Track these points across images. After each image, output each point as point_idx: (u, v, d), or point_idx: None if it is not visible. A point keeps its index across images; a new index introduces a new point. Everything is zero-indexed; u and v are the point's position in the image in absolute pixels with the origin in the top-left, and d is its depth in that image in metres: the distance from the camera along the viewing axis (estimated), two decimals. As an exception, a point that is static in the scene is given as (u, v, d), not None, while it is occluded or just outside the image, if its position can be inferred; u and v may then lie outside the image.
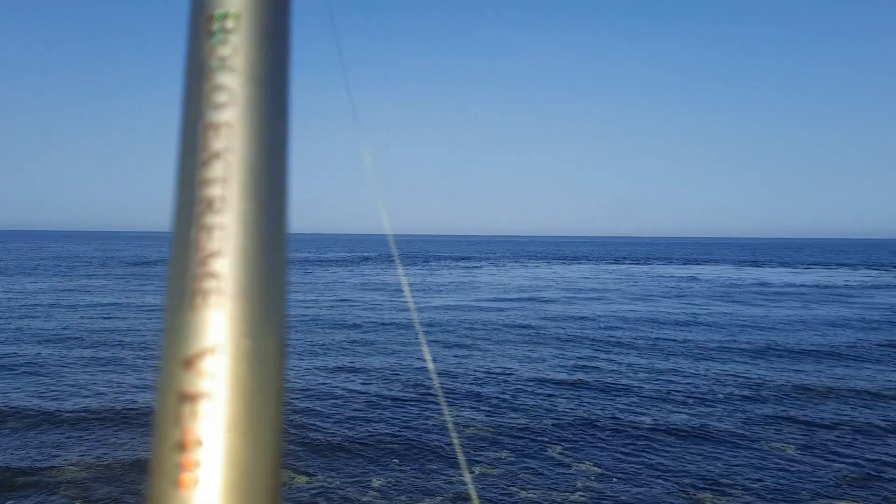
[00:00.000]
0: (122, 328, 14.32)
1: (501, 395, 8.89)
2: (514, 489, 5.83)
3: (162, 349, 0.30)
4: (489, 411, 8.14)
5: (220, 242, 0.30)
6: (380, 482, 5.95)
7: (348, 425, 7.47)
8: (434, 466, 6.34)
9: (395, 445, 6.85)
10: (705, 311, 18.87)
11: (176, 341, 0.30)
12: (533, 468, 6.33)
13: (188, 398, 0.29)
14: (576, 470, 6.31)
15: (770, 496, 5.76)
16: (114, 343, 12.47)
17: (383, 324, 15.55)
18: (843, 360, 11.74)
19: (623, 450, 6.85)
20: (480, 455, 6.64)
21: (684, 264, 47.75)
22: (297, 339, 12.89)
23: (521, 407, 8.35)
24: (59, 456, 6.42)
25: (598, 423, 7.70)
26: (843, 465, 6.47)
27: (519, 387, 9.42)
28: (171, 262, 0.31)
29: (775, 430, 7.56)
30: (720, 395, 9.05)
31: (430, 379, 9.77)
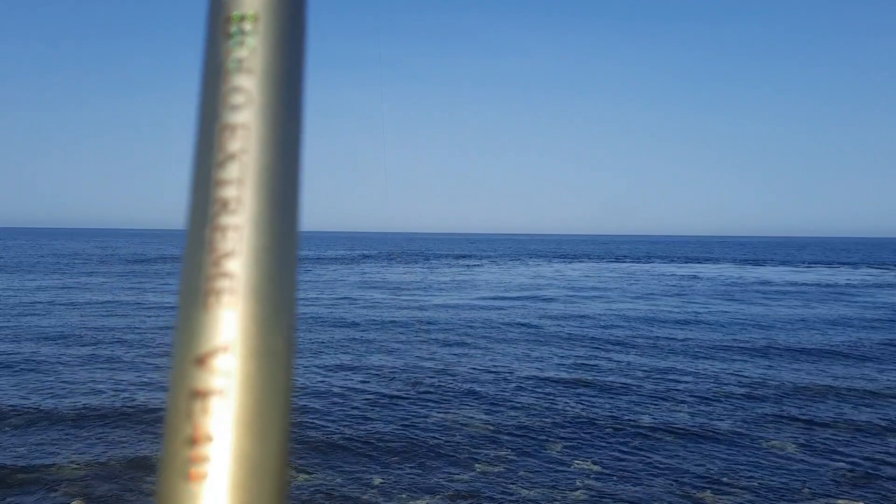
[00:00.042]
0: (122, 326, 14.31)
1: (501, 394, 8.87)
2: (514, 487, 5.82)
3: (174, 347, 0.30)
4: (489, 409, 8.12)
5: (234, 243, 0.30)
6: (380, 480, 5.94)
7: (348, 423, 7.46)
8: (434, 464, 6.32)
9: (395, 444, 6.84)
10: (706, 310, 18.85)
11: (189, 339, 0.30)
12: (533, 466, 6.31)
13: (200, 395, 0.30)
14: (575, 468, 6.29)
15: (769, 495, 5.74)
16: (113, 340, 12.46)
17: (383, 322, 15.53)
18: (844, 358, 11.72)
19: (623, 448, 6.84)
20: (480, 453, 6.63)
21: (685, 263, 47.73)
22: (298, 337, 12.86)
23: (521, 405, 8.34)
24: (58, 454, 6.40)
25: (598, 422, 7.68)
26: (842, 464, 6.45)
27: (519, 385, 9.40)
28: (184, 261, 0.31)
29: (775, 428, 7.54)
30: (720, 394, 9.03)
31: (432, 377, 9.76)
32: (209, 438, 0.29)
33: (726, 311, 18.57)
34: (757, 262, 48.63)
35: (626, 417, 7.88)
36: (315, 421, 7.49)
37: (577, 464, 6.41)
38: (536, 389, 9.17)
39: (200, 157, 0.31)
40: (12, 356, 10.85)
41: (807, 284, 28.85)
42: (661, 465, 6.39)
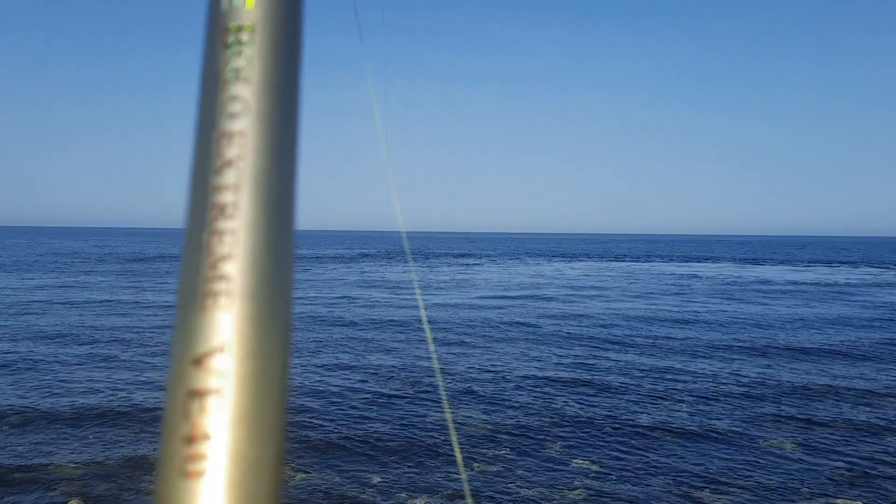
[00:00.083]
0: (120, 325, 14.29)
1: (500, 393, 8.86)
2: (513, 486, 5.81)
3: (173, 347, 0.31)
4: (488, 409, 8.11)
5: (231, 247, 0.31)
6: (378, 479, 5.93)
7: (346, 422, 7.44)
8: (432, 464, 6.31)
9: (394, 443, 6.83)
10: (705, 309, 18.85)
11: (187, 340, 0.31)
12: (531, 466, 6.30)
13: (197, 394, 0.30)
14: (574, 467, 6.28)
15: (768, 494, 5.73)
16: (111, 339, 12.44)
17: (382, 321, 15.52)
18: (843, 358, 11.72)
19: (621, 447, 6.83)
20: (479, 452, 6.62)
21: (685, 262, 47.73)
22: (296, 337, 12.86)
23: (520, 404, 8.33)
24: (56, 453, 6.39)
25: (597, 421, 7.67)
26: (841, 464, 6.44)
27: (517, 384, 9.40)
28: (182, 264, 0.32)
29: (774, 427, 7.54)
30: (719, 393, 9.02)
31: (431, 376, 9.75)
32: (206, 437, 0.30)
33: (725, 311, 18.57)
34: (756, 262, 48.63)
35: (625, 417, 7.87)
36: (313, 420, 7.48)
37: (576, 463, 6.40)
38: (535, 389, 9.16)
39: (198, 163, 0.32)
40: (10, 355, 10.83)
41: (806, 283, 28.86)
42: (660, 465, 6.38)
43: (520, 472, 6.16)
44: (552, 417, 7.81)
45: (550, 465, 6.36)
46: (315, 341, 12.57)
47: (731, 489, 5.83)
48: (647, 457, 6.59)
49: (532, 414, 7.94)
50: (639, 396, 8.84)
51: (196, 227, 0.31)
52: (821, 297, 22.68)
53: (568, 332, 14.22)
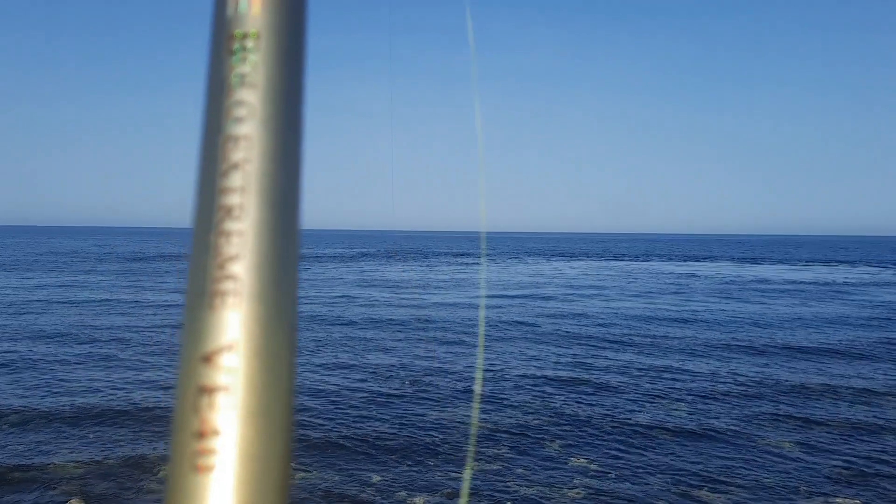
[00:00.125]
0: (119, 324, 14.29)
1: (499, 392, 8.88)
2: (512, 485, 5.82)
3: (182, 345, 0.32)
4: (487, 408, 8.13)
5: (238, 247, 0.31)
6: (378, 478, 5.94)
7: (346, 422, 7.46)
8: (432, 463, 6.33)
9: (393, 442, 6.85)
10: (704, 308, 18.87)
11: (196, 338, 0.31)
12: (530, 465, 6.32)
13: (207, 391, 0.31)
14: (573, 466, 6.30)
15: (766, 493, 5.75)
16: (110, 339, 12.45)
17: (382, 320, 15.53)
18: (841, 357, 11.74)
19: (620, 446, 6.85)
20: (478, 451, 6.63)
21: (683, 261, 47.76)
22: (298, 338, 12.86)
23: (519, 404, 8.35)
24: (56, 452, 6.40)
25: (596, 420, 7.69)
26: (839, 463, 6.46)
27: (516, 384, 9.41)
28: (190, 264, 0.32)
29: (772, 426, 7.56)
30: (718, 392, 9.04)
31: (429, 375, 9.76)
32: (216, 433, 0.30)
33: (724, 310, 18.59)
34: (755, 261, 48.67)
35: (624, 416, 7.89)
36: (313, 419, 7.49)
37: (575, 462, 6.42)
38: (534, 388, 9.18)
39: (205, 166, 0.33)
40: (10, 354, 10.83)
41: (804, 283, 28.89)
42: (659, 463, 6.40)
43: (519, 470, 6.18)
44: (551, 416, 7.83)
45: (549, 463, 6.38)
46: (314, 340, 12.59)
47: (729, 488, 5.85)
48: (646, 455, 6.61)
49: (531, 413, 7.96)
50: (637, 395, 8.86)
51: (203, 228, 0.32)
52: (819, 297, 22.71)
53: (567, 331, 14.24)
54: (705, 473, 6.17)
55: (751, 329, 14.96)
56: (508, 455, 6.56)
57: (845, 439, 7.16)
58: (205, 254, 0.32)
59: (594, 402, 8.48)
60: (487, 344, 12.62)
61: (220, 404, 0.31)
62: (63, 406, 7.88)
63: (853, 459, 6.56)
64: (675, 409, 8.21)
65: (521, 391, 8.98)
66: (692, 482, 5.96)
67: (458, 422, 7.56)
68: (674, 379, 9.83)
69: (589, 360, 11.14)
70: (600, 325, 15.40)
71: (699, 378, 9.91)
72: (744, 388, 9.28)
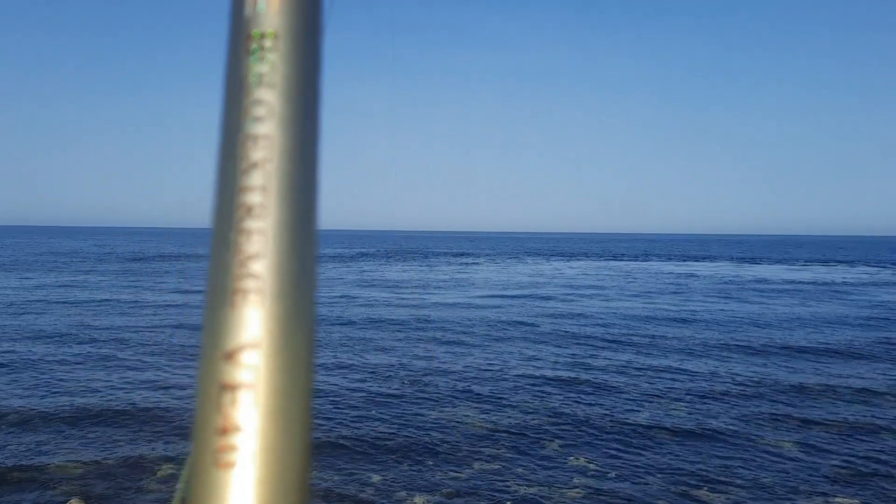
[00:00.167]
0: (119, 325, 14.30)
1: (498, 392, 8.89)
2: (511, 485, 5.83)
3: (204, 342, 0.32)
4: (486, 408, 8.14)
5: (260, 246, 0.32)
6: (378, 478, 5.95)
7: (346, 422, 7.47)
8: (431, 462, 6.34)
9: (393, 442, 6.85)
10: (703, 308, 18.88)
11: (218, 335, 0.32)
12: (529, 465, 6.33)
13: (229, 388, 0.31)
14: (572, 466, 6.31)
15: (765, 493, 5.76)
16: (110, 339, 12.45)
17: (381, 320, 15.54)
18: (840, 357, 11.76)
19: (619, 446, 6.86)
20: (477, 451, 6.64)
21: (683, 261, 47.78)
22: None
23: (518, 404, 8.35)
24: (56, 452, 6.41)
25: (595, 420, 7.70)
26: (838, 462, 6.47)
27: (516, 383, 9.42)
28: (211, 261, 0.33)
29: (771, 426, 7.57)
30: (717, 392, 9.05)
31: (428, 375, 9.77)
32: (238, 429, 0.31)
33: (723, 310, 18.60)
34: (754, 261, 48.69)
35: (623, 415, 7.90)
36: (312, 419, 7.49)
37: (574, 461, 6.43)
38: (533, 388, 9.19)
39: (225, 164, 0.33)
40: (10, 355, 10.84)
41: (803, 283, 28.91)
42: (658, 463, 6.41)
43: (518, 470, 6.19)
44: (550, 416, 7.84)
45: (548, 463, 6.39)
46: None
47: (728, 487, 5.86)
48: (645, 455, 6.62)
49: (530, 413, 7.97)
50: (636, 395, 8.87)
51: (224, 227, 0.32)
52: (818, 297, 22.73)
53: (566, 331, 14.25)
54: (704, 473, 6.18)
55: (749, 329, 14.97)
56: (508, 455, 6.57)
57: (844, 439, 7.17)
58: (226, 251, 0.32)
59: (593, 402, 8.49)
60: (487, 344, 12.63)
61: (242, 401, 0.31)
62: (63, 406, 7.88)
63: (852, 459, 6.57)
64: (674, 409, 8.22)
65: (520, 391, 8.99)
66: (691, 482, 5.97)
67: (458, 422, 7.57)
68: (673, 379, 9.84)
69: (588, 360, 11.15)
70: (599, 324, 15.41)
71: (698, 378, 9.92)
72: (742, 388, 9.29)
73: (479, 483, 5.89)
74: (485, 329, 14.47)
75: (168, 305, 17.79)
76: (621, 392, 9.03)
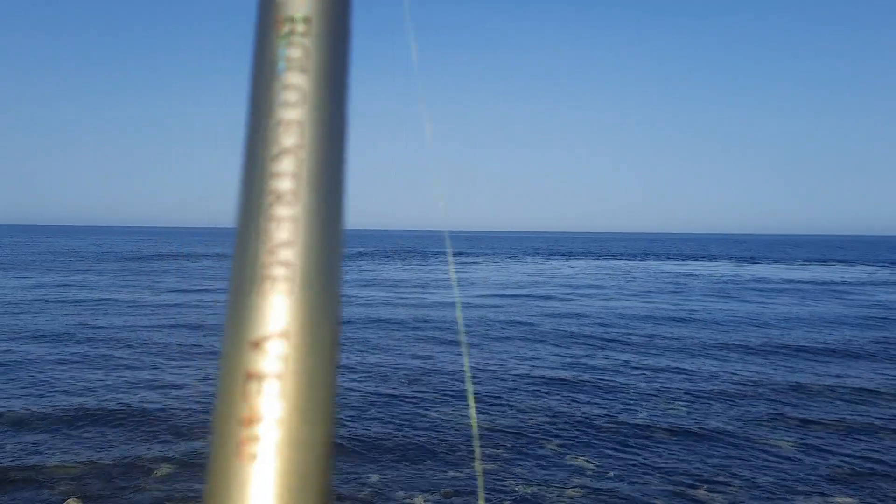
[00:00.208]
0: (117, 324, 14.28)
1: (497, 392, 8.88)
2: (510, 485, 5.83)
3: (228, 330, 0.31)
4: (485, 408, 8.13)
5: (290, 233, 0.31)
6: (376, 478, 5.94)
7: (344, 422, 7.46)
8: (430, 463, 6.33)
9: (392, 442, 6.85)
10: (702, 308, 18.89)
11: (244, 323, 0.31)
12: (528, 464, 6.32)
13: (255, 377, 0.30)
14: (571, 466, 6.30)
15: (764, 493, 5.76)
16: (108, 339, 12.43)
17: (380, 320, 15.53)
18: (839, 356, 11.76)
19: (618, 446, 6.85)
20: (476, 451, 6.63)
21: (682, 260, 47.81)
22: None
23: (517, 403, 8.35)
24: (54, 452, 6.40)
25: (594, 420, 7.70)
26: (837, 462, 6.47)
27: (515, 383, 9.42)
28: (237, 248, 0.32)
29: (770, 426, 7.57)
30: (715, 392, 9.05)
31: (427, 375, 9.77)
32: (264, 420, 0.30)
33: (722, 309, 18.61)
34: (753, 260, 48.73)
35: (622, 415, 7.90)
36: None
37: (573, 461, 6.43)
38: (532, 388, 9.19)
39: (254, 149, 0.32)
40: (7, 354, 10.82)
41: (802, 282, 28.93)
42: (656, 463, 6.41)
43: (517, 470, 6.18)
44: (549, 416, 7.83)
45: (547, 463, 6.38)
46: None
47: (727, 487, 5.86)
48: (643, 455, 6.62)
49: (529, 412, 7.96)
50: (635, 395, 8.86)
51: (253, 213, 0.32)
52: (817, 296, 22.74)
53: (565, 331, 14.25)
54: (702, 473, 6.17)
55: (748, 328, 14.98)
56: (506, 455, 6.56)
57: (842, 439, 7.17)
58: (254, 238, 0.31)
59: (592, 402, 8.48)
60: (485, 343, 12.62)
61: (269, 391, 0.30)
62: (60, 406, 7.87)
63: (850, 459, 6.57)
64: (673, 409, 8.22)
65: (519, 391, 8.98)
66: (689, 482, 5.97)
67: (456, 422, 7.56)
68: (671, 378, 9.84)
69: (587, 360, 11.14)
70: (598, 324, 15.41)
71: (696, 377, 9.92)
72: (741, 388, 9.29)
73: (478, 483, 5.88)
74: (483, 328, 14.47)
75: (166, 305, 17.78)
76: (620, 391, 9.03)
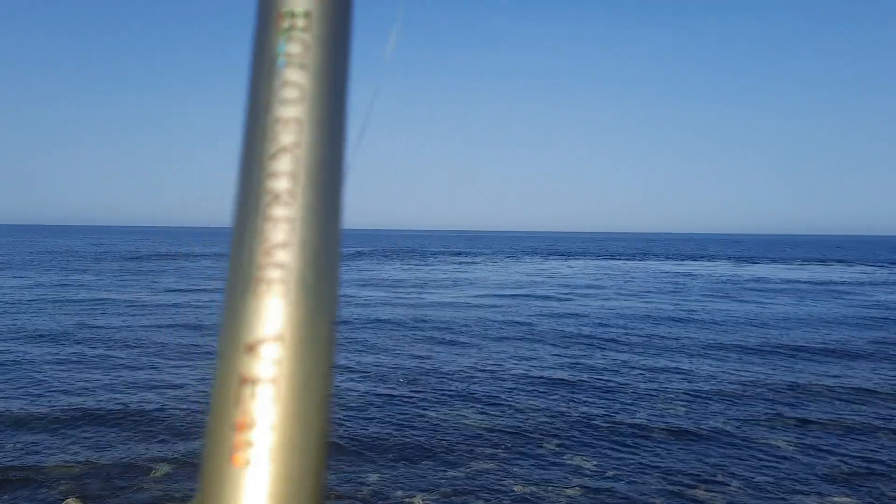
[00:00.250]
0: (115, 324, 14.27)
1: (496, 392, 8.89)
2: (508, 484, 5.83)
3: (223, 334, 0.31)
4: (483, 407, 8.14)
5: (286, 234, 0.30)
6: (375, 478, 5.94)
7: (343, 422, 7.46)
8: (429, 463, 6.33)
9: (390, 442, 6.85)
10: (700, 308, 18.90)
11: (239, 327, 0.30)
12: (527, 464, 6.33)
13: (249, 382, 0.30)
14: (570, 466, 6.31)
15: (762, 492, 5.77)
16: (106, 339, 12.42)
17: (378, 320, 15.53)
18: (838, 356, 11.78)
19: (617, 446, 6.86)
20: (475, 451, 6.64)
21: (681, 260, 47.83)
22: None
23: (516, 404, 8.35)
24: (52, 452, 6.39)
25: (593, 420, 7.70)
26: (835, 462, 6.48)
27: (513, 383, 9.42)
28: (233, 249, 0.31)
29: (768, 426, 7.58)
30: (714, 392, 9.06)
31: (426, 375, 9.77)
32: (258, 425, 0.30)
33: (720, 309, 18.63)
34: (752, 260, 48.76)
35: (620, 415, 7.90)
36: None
37: (571, 461, 6.43)
38: (531, 388, 9.19)
39: (251, 148, 0.31)
40: (4, 354, 10.80)
41: (801, 282, 28.95)
42: (654, 463, 6.41)
43: (515, 469, 6.18)
44: (547, 416, 7.84)
45: (545, 462, 6.38)
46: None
47: (725, 487, 5.86)
48: (642, 455, 6.62)
49: (527, 412, 7.96)
50: (634, 395, 8.87)
51: (249, 213, 0.31)
52: (815, 296, 22.76)
53: (563, 331, 14.25)
54: (701, 473, 6.18)
55: (747, 328, 14.99)
56: (505, 455, 6.57)
57: (841, 439, 7.18)
58: (250, 239, 0.31)
59: (590, 402, 8.49)
60: (484, 343, 12.63)
61: (263, 396, 0.30)
62: (58, 406, 7.86)
63: (848, 459, 6.58)
64: (671, 409, 8.23)
65: (517, 390, 8.99)
66: (687, 481, 5.98)
67: (455, 421, 7.57)
68: (670, 378, 9.85)
69: (585, 360, 11.15)
70: (597, 324, 15.41)
71: (695, 377, 9.93)
72: (739, 388, 9.30)
73: (477, 482, 5.89)
74: (482, 328, 14.47)
75: (164, 305, 17.77)
76: (618, 391, 9.04)
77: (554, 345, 12.59)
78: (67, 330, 13.26)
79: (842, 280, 30.26)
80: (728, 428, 7.47)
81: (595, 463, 6.39)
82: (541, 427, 7.43)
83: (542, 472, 6.17)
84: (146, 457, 6.28)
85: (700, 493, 5.73)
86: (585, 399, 8.64)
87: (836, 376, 10.10)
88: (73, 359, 10.59)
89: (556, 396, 8.74)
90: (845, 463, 6.46)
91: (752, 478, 6.07)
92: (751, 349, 12.34)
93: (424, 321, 15.39)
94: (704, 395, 8.88)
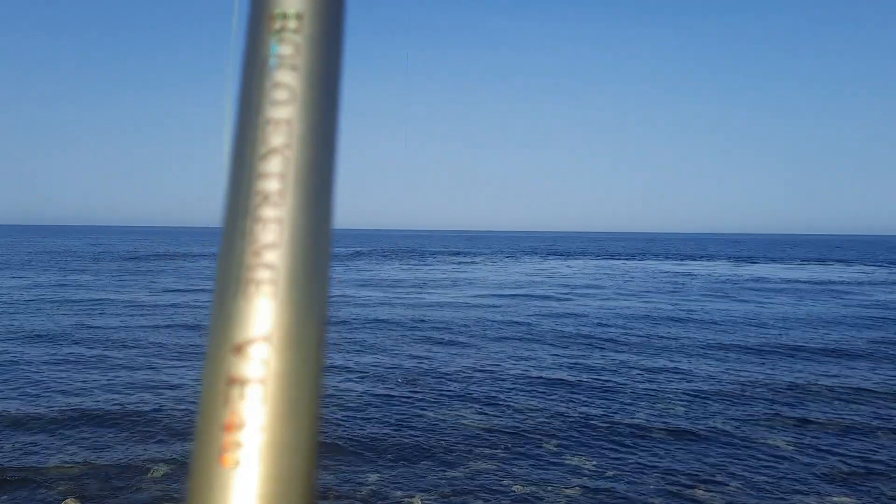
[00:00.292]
0: (113, 325, 14.25)
1: (495, 393, 8.88)
2: (508, 484, 5.82)
3: (212, 334, 0.31)
4: (482, 408, 8.13)
5: (275, 235, 0.30)
6: (375, 478, 5.94)
7: (342, 422, 7.45)
8: (428, 463, 6.32)
9: (389, 443, 6.84)
10: (700, 307, 18.90)
11: (228, 328, 0.30)
12: (526, 465, 6.32)
13: (238, 382, 0.30)
14: (569, 466, 6.30)
15: (761, 492, 5.76)
16: (104, 339, 12.40)
17: (377, 320, 15.52)
18: (837, 356, 11.78)
19: (616, 446, 6.85)
20: (473, 451, 6.63)
21: (680, 260, 47.85)
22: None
23: (515, 404, 8.34)
24: (51, 453, 6.38)
25: (592, 420, 7.70)
26: (834, 462, 6.48)
27: (513, 384, 9.41)
28: (222, 250, 0.31)
29: (767, 426, 7.57)
30: (713, 392, 9.06)
31: (425, 375, 9.76)
32: (247, 426, 0.30)
33: (720, 309, 18.63)
34: (751, 260, 48.78)
35: (620, 415, 7.90)
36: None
37: (570, 461, 6.42)
38: (530, 388, 9.18)
39: (241, 149, 0.31)
40: (2, 355, 10.79)
41: (800, 282, 28.96)
42: (654, 463, 6.41)
43: (515, 470, 6.18)
44: (546, 416, 7.83)
45: (545, 462, 6.38)
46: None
47: (724, 487, 5.86)
48: (641, 455, 6.62)
49: (526, 412, 7.96)
50: (633, 395, 8.86)
51: (238, 213, 0.31)
52: (815, 296, 22.77)
53: (563, 331, 14.24)
54: (700, 473, 6.18)
55: (746, 328, 14.99)
56: (504, 455, 6.56)
57: (840, 438, 7.17)
58: (239, 240, 0.31)
59: (590, 402, 8.48)
60: (483, 343, 12.62)
61: (251, 396, 0.30)
62: (57, 407, 7.85)
63: (848, 459, 6.57)
64: (671, 409, 8.22)
65: (516, 391, 8.98)
66: (687, 481, 5.97)
67: (454, 422, 7.56)
68: (669, 378, 9.85)
69: (585, 360, 11.14)
70: (596, 324, 15.41)
71: (694, 377, 9.93)
72: (739, 388, 9.29)
73: (476, 484, 5.88)
74: (481, 329, 14.46)
75: (163, 305, 17.75)
76: (617, 391, 9.03)
77: (553, 345, 12.58)
78: (65, 330, 13.25)
79: (841, 280, 30.27)
80: (727, 428, 7.46)
81: (594, 463, 6.39)
82: (540, 427, 7.42)
83: (542, 472, 6.16)
84: (144, 457, 6.27)
85: (699, 493, 5.72)
86: (584, 399, 8.63)
87: (835, 376, 10.10)
88: (72, 359, 10.58)
89: (556, 396, 8.73)
90: (844, 463, 6.46)
91: (752, 478, 6.07)
92: (750, 349, 12.34)
93: (423, 321, 15.38)
94: (703, 395, 8.88)
